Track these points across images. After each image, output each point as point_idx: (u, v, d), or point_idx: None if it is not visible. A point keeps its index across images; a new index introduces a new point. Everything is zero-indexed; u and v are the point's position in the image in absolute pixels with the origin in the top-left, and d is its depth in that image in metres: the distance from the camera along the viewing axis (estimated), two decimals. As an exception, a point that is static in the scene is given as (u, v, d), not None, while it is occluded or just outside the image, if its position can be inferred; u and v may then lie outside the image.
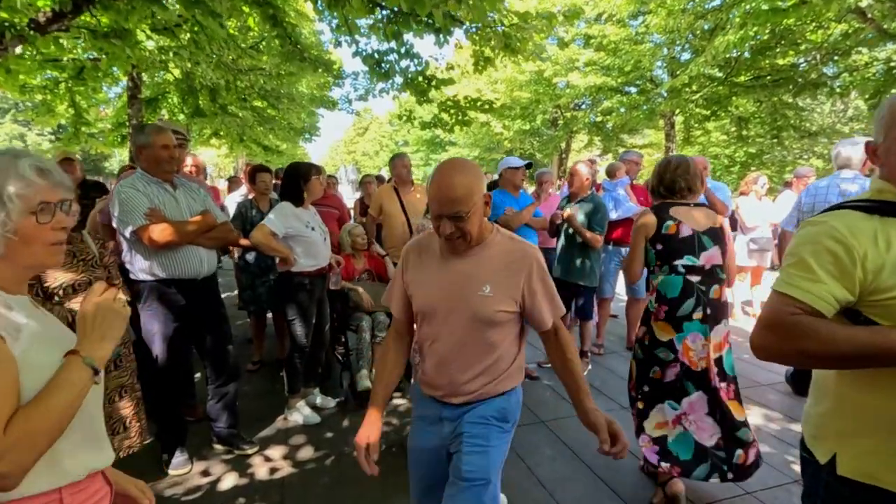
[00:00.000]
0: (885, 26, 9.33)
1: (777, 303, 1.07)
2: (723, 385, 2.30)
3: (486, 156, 23.75)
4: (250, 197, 4.14)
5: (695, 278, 2.27)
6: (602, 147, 19.51)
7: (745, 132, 15.56)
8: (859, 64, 11.99)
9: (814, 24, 10.75)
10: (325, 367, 3.82)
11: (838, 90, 12.34)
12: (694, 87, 12.75)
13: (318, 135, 21.28)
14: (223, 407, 2.81)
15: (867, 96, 12.13)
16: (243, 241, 3.15)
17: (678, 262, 2.29)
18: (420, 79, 5.16)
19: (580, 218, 3.70)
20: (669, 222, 2.31)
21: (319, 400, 3.40)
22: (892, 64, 11.45)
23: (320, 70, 8.29)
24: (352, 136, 64.37)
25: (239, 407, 2.96)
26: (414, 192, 4.32)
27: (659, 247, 2.35)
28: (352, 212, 5.68)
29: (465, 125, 5.51)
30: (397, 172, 4.28)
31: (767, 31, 10.28)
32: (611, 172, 4.74)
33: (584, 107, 17.31)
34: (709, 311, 2.28)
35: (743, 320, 5.55)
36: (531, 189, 5.06)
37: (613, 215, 4.30)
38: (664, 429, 2.35)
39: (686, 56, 13.25)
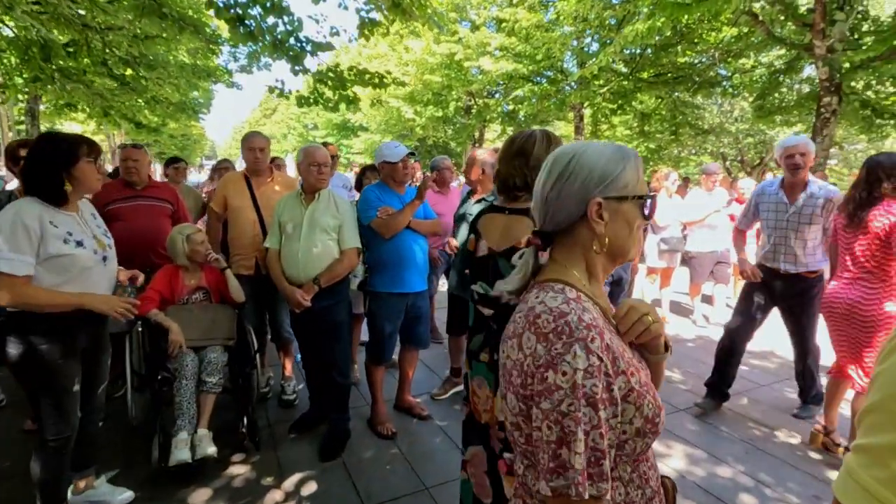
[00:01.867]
0: (774, 31, 9.74)
1: None
2: (506, 456, 1.61)
3: (401, 141, 22.73)
4: (10, 188, 2.92)
5: (486, 311, 1.68)
6: (515, 137, 19.37)
7: (646, 128, 16.09)
8: (747, 67, 12.70)
9: (710, 24, 11.10)
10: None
11: (730, 90, 12.98)
12: (601, 81, 12.78)
13: (206, 111, 18.90)
14: None
15: (752, 98, 12.92)
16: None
17: (473, 287, 1.72)
18: (291, 41, 4.14)
19: (461, 236, 3.05)
20: (471, 234, 1.75)
21: (104, 491, 2.31)
22: (773, 68, 12.24)
23: (188, 32, 6.83)
24: (258, 117, 59.81)
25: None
26: (271, 183, 3.35)
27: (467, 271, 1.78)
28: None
29: (352, 103, 4.60)
30: (247, 157, 3.28)
31: (670, 28, 10.40)
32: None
33: (496, 95, 16.93)
34: (495, 357, 1.63)
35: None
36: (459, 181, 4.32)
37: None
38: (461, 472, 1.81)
39: (595, 48, 13.24)
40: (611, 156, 0.87)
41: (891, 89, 10.14)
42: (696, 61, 12.77)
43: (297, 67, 4.26)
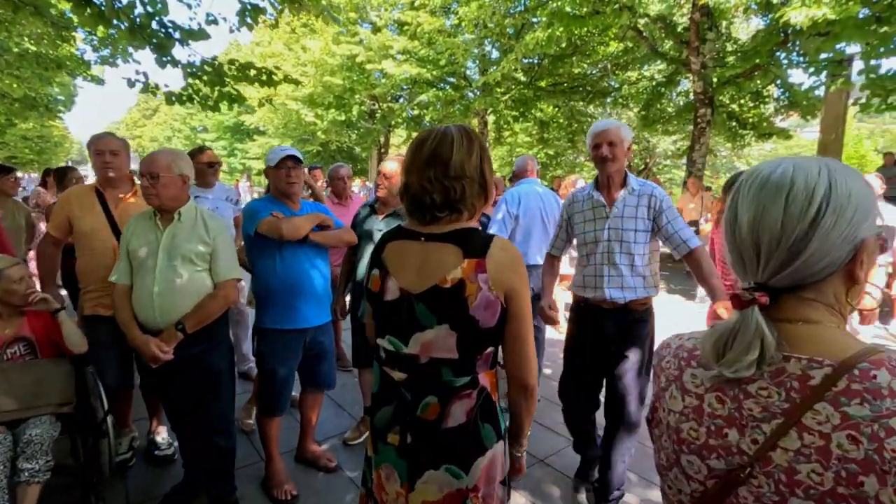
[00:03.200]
0: (656, 46, 10.54)
1: None
2: None
3: (300, 147, 21.56)
4: None
5: (398, 375, 1.21)
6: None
7: (546, 135, 16.80)
8: (633, 79, 13.71)
9: (601, 38, 11.79)
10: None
11: (620, 100, 13.92)
12: (503, 89, 13.06)
13: (66, 109, 16.35)
14: None
15: (638, 109, 13.99)
16: None
17: (380, 341, 1.26)
18: (154, 26, 3.44)
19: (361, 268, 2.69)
20: (374, 270, 1.26)
21: None
22: (655, 81, 13.34)
23: (26, 13, 5.61)
24: (136, 117, 53.78)
25: None
26: (133, 198, 2.67)
27: (371, 308, 1.30)
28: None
29: (235, 101, 3.97)
30: (96, 164, 2.57)
31: (566, 40, 10.85)
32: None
33: (401, 100, 16.64)
34: (409, 440, 1.19)
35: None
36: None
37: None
38: None
39: (496, 55, 13.49)
40: (859, 176, 0.66)
41: (751, 103, 11.45)
42: (590, 72, 13.53)
43: (163, 58, 3.56)
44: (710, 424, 0.71)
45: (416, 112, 15.44)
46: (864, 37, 6.13)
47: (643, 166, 19.44)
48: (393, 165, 2.70)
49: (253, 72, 3.83)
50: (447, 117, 13.99)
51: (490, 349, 1.20)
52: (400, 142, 20.96)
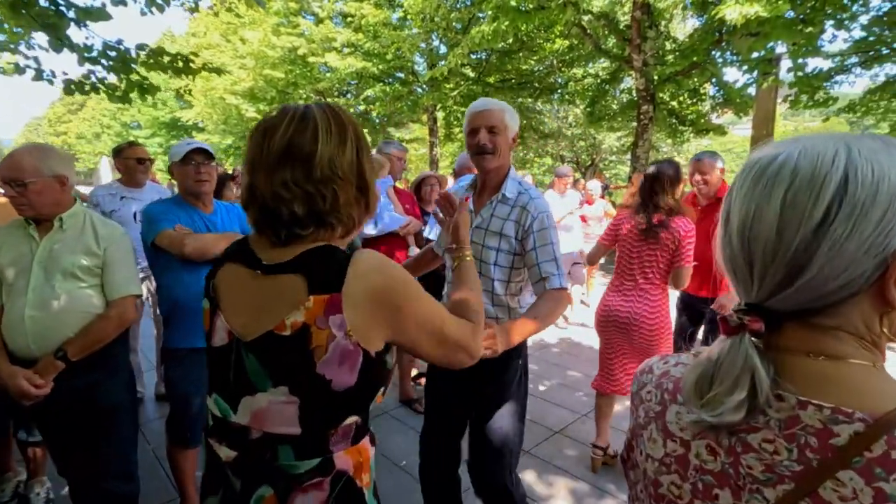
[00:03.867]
0: (600, 44, 10.70)
1: None
2: None
3: (243, 144, 20.56)
4: None
5: (225, 452, 0.89)
6: (371, 140, 18.82)
7: (496, 131, 16.82)
8: (579, 76, 13.94)
9: (546, 34, 11.87)
10: None
11: (566, 97, 14.12)
12: (452, 84, 12.92)
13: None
14: None
15: (584, 105, 14.23)
16: None
17: (209, 401, 0.96)
18: (43, 2, 2.99)
19: None
20: (205, 301, 0.98)
21: None
22: (600, 78, 13.60)
23: None
24: (60, 112, 49.80)
25: None
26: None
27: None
28: None
29: (147, 92, 3.54)
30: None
31: (512, 35, 10.83)
32: (368, 169, 3.52)
33: (348, 95, 16.16)
34: None
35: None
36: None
37: (371, 230, 3.10)
38: None
39: (444, 50, 13.33)
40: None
41: (689, 101, 11.88)
42: (537, 69, 13.63)
43: (58, 41, 3.10)
44: (696, 481, 0.54)
45: (363, 108, 15.03)
46: (791, 36, 6.41)
47: (590, 162, 19.91)
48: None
49: (167, 58, 3.41)
50: (395, 112, 13.72)
51: (353, 419, 0.87)
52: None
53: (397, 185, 3.63)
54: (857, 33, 8.28)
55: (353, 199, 0.88)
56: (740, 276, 0.54)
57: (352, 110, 15.75)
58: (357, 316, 0.81)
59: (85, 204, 2.06)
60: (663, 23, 10.40)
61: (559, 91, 13.85)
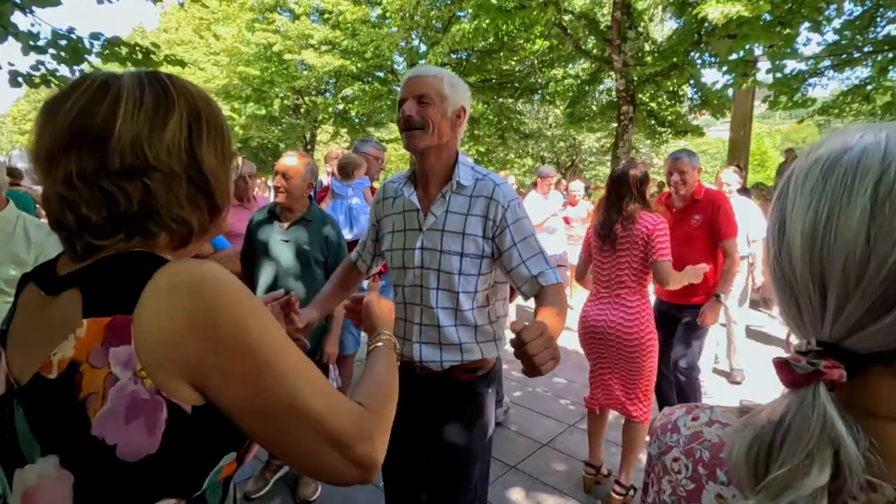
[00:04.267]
0: (581, 44, 10.70)
1: None
2: None
3: (217, 143, 20.05)
4: None
5: None
6: (350, 140, 18.57)
7: (476, 131, 16.75)
8: (559, 77, 13.95)
9: (527, 34, 11.83)
10: None
11: (547, 98, 14.12)
12: (432, 83, 12.78)
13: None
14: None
15: (564, 106, 14.25)
16: None
17: None
18: (-17, -14, 2.72)
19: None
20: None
21: None
22: (580, 79, 13.63)
23: None
24: (25, 109, 48.00)
25: None
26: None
27: None
28: None
29: (104, 85, 3.31)
30: None
31: (493, 34, 10.75)
32: (345, 170, 3.33)
33: (326, 94, 15.87)
34: None
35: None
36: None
37: (348, 235, 2.91)
38: None
39: (425, 49, 13.18)
40: None
41: (668, 102, 11.97)
42: (517, 69, 13.59)
43: (1, 27, 2.83)
44: None
45: (342, 106, 14.78)
46: (770, 38, 6.45)
47: (570, 163, 20.00)
48: (292, 161, 2.25)
49: (125, 49, 3.16)
50: (375, 111, 13.51)
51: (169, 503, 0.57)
52: (328, 138, 20.11)
53: (375, 185, 3.45)
54: (831, 37, 8.46)
55: (186, 198, 0.63)
56: (805, 305, 0.39)
57: (330, 109, 15.46)
58: (156, 351, 0.53)
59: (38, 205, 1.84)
60: (642, 24, 10.45)
61: (539, 91, 13.83)
